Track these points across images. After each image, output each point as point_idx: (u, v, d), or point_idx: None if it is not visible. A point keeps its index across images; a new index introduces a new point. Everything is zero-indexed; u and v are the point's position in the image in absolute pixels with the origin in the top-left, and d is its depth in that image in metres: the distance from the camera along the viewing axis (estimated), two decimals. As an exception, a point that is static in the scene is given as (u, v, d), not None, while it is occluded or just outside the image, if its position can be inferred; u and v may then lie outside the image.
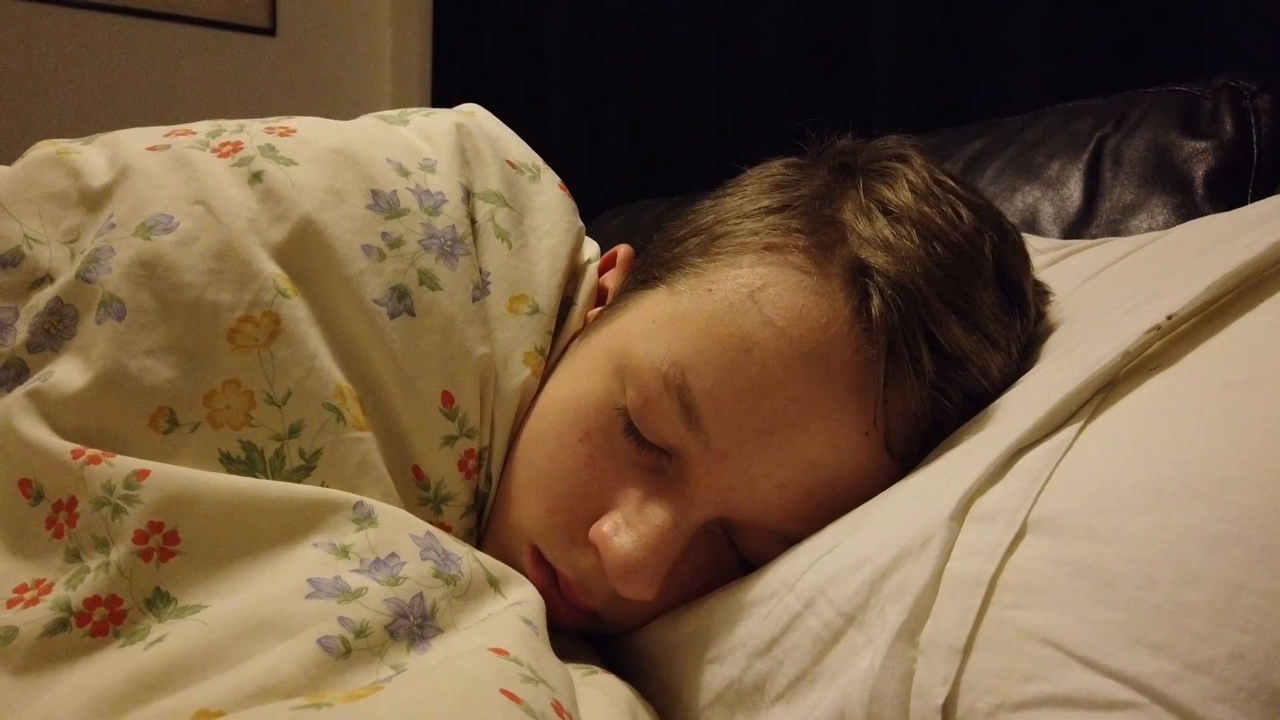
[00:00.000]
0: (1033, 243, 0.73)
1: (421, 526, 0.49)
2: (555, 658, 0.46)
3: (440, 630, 0.45)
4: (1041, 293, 0.60)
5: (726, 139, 1.57)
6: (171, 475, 0.46)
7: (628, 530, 0.51)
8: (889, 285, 0.49)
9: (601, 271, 0.64)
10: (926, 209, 0.52)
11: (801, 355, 0.49)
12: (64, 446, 0.46)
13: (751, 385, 0.49)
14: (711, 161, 1.55)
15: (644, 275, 0.57)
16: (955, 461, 0.44)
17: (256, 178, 0.54)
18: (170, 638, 0.41)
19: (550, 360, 0.59)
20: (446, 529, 0.55)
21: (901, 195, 0.53)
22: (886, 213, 0.52)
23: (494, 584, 0.49)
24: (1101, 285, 0.59)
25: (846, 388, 0.49)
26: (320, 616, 0.42)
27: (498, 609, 0.48)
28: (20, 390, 0.48)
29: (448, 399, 0.54)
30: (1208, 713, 0.28)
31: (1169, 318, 0.40)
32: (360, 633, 0.42)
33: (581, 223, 0.64)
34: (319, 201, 0.53)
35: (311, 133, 0.57)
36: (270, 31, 2.26)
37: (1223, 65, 1.01)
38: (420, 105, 2.25)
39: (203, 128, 0.58)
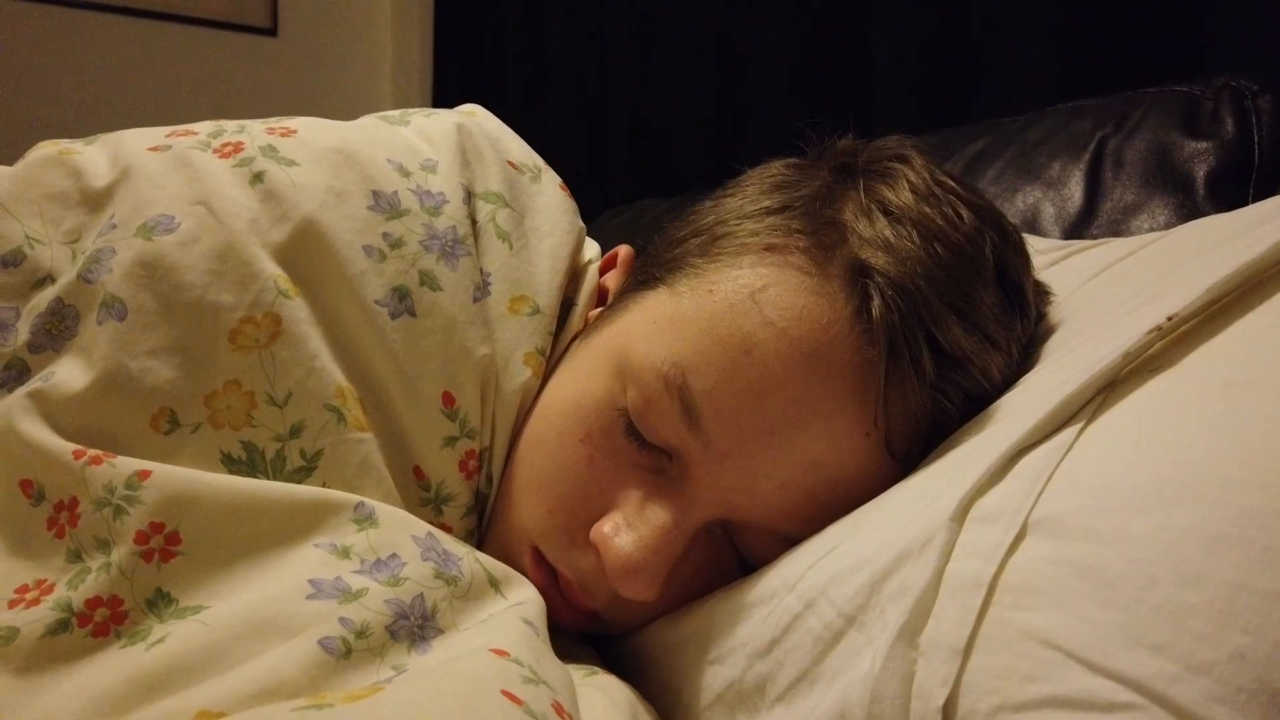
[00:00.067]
0: (1034, 243, 0.73)
1: (422, 527, 0.49)
2: (556, 658, 0.46)
3: (441, 631, 0.45)
4: (1042, 293, 0.60)
5: (726, 139, 1.57)
6: (173, 476, 0.46)
7: (628, 531, 0.51)
8: (889, 286, 0.49)
9: (602, 272, 0.64)
10: (927, 209, 0.52)
11: (802, 356, 0.49)
12: (65, 447, 0.46)
13: (752, 386, 0.49)
14: (711, 161, 1.55)
15: (645, 276, 0.57)
16: (956, 462, 0.44)
17: (258, 178, 0.54)
18: (171, 638, 0.41)
19: (551, 361, 0.59)
20: (447, 530, 0.55)
21: (902, 196, 0.53)
22: (887, 213, 0.52)
23: (495, 585, 0.49)
24: (1102, 286, 0.59)
25: (847, 388, 0.49)
26: (321, 617, 0.42)
27: (499, 610, 0.48)
28: (22, 391, 0.48)
29: (449, 400, 0.54)
30: (1208, 713, 0.28)
31: (1170, 318, 0.40)
32: (361, 633, 0.42)
33: (582, 223, 0.64)
34: (320, 202, 0.53)
35: (312, 133, 0.57)
36: (272, 32, 2.26)
37: (1223, 65, 1.01)
38: (421, 105, 2.25)
39: (204, 128, 0.58)
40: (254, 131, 0.57)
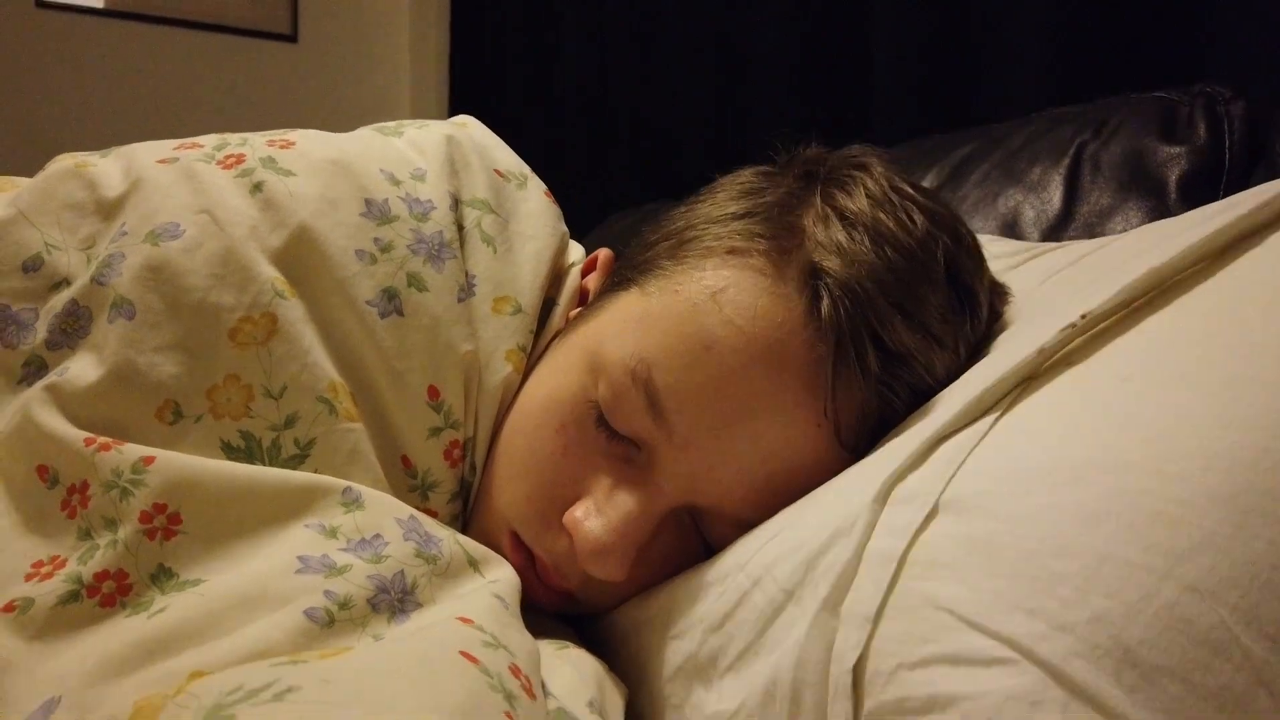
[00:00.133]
0: (1002, 246, 0.76)
1: (406, 510, 0.53)
2: (524, 631, 0.49)
3: (420, 605, 0.49)
4: (1000, 293, 0.62)
5: (727, 139, 1.59)
6: (175, 461, 0.50)
7: (598, 515, 0.54)
8: (838, 287, 0.52)
9: (584, 274, 0.68)
10: (881, 215, 0.56)
11: (758, 352, 0.53)
12: (77, 435, 0.50)
13: (711, 380, 0.53)
14: (712, 161, 1.58)
15: (619, 278, 0.61)
16: (889, 450, 0.47)
17: (257, 188, 0.58)
18: (171, 608, 0.45)
19: (532, 357, 0.63)
20: (433, 514, 0.58)
21: (858, 202, 0.56)
22: (843, 219, 0.55)
23: (473, 564, 0.53)
24: (1056, 286, 0.62)
25: (800, 383, 0.52)
26: (307, 590, 0.46)
27: (476, 587, 0.52)
28: (39, 384, 0.53)
29: (434, 393, 0.58)
30: (1068, 667, 0.32)
31: (1083, 316, 0.43)
32: (344, 605, 0.46)
33: (565, 228, 0.68)
34: (315, 209, 0.57)
35: (309, 145, 0.61)
36: (292, 38, 2.31)
37: (1222, 66, 1.03)
38: (438, 109, 2.30)
39: (210, 141, 0.62)
40: (255, 144, 0.61)
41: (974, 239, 0.61)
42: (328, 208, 0.58)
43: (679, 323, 0.54)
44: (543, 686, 0.47)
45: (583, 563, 0.54)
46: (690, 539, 0.57)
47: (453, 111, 2.25)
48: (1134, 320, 0.43)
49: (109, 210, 0.58)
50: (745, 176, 0.62)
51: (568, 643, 0.55)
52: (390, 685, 0.38)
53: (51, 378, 0.52)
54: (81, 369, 0.52)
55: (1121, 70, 1.08)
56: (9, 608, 0.46)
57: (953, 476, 0.40)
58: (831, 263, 0.53)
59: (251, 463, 0.53)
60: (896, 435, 0.50)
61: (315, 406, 0.55)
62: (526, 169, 0.69)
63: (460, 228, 0.63)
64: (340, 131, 0.66)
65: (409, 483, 0.58)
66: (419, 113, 2.39)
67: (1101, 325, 0.44)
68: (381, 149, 0.63)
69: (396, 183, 0.61)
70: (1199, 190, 0.85)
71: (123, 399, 0.52)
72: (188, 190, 0.57)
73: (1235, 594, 0.33)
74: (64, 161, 0.61)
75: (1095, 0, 1.13)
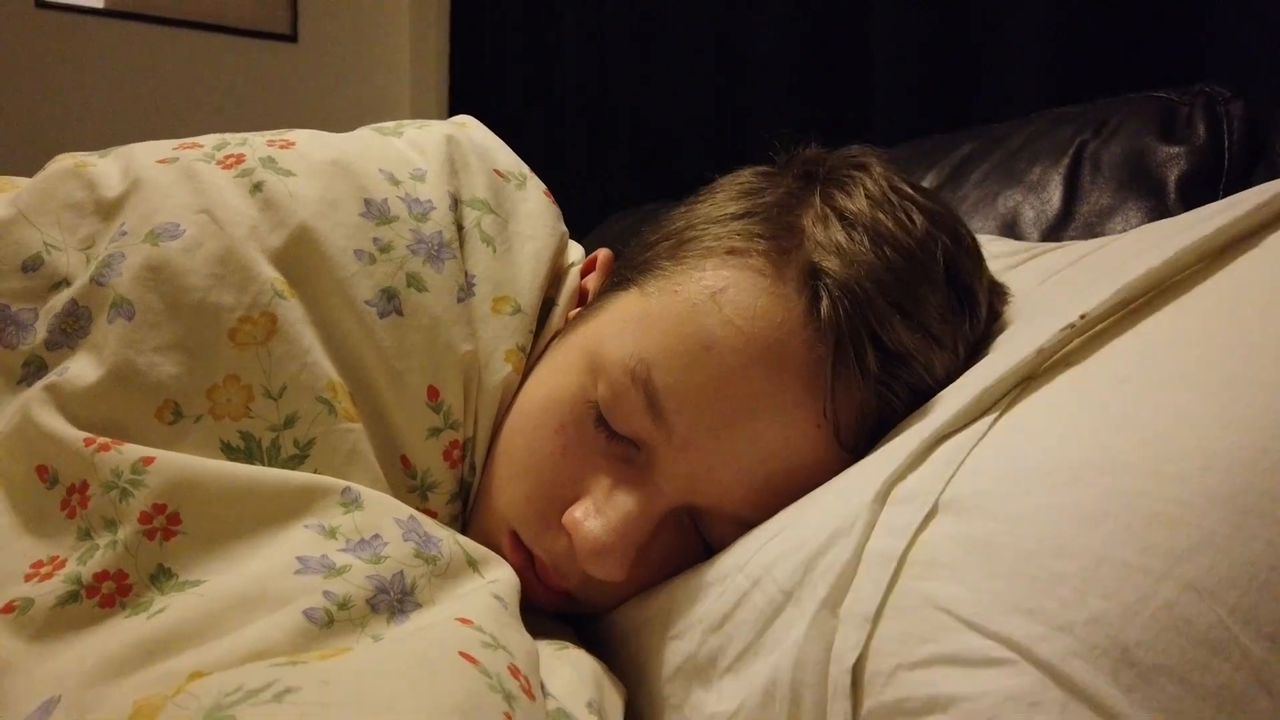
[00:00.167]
0: (1002, 246, 0.76)
1: (405, 511, 0.53)
2: (524, 632, 0.49)
3: (419, 605, 0.49)
4: (999, 293, 0.63)
5: (727, 139, 1.59)
6: (174, 461, 0.50)
7: (597, 516, 0.54)
8: (838, 287, 0.52)
9: (583, 274, 0.68)
10: (880, 215, 0.56)
11: (758, 352, 0.53)
12: (77, 435, 0.50)
13: (711, 380, 0.53)
14: (712, 161, 1.58)
15: (619, 278, 0.61)
16: (889, 450, 0.47)
17: (257, 188, 0.58)
18: (171, 609, 0.46)
19: (532, 357, 0.63)
20: (432, 515, 0.58)
21: (857, 202, 0.56)
22: (842, 219, 0.55)
23: (473, 564, 0.53)
24: (1056, 286, 0.62)
25: (799, 383, 0.52)
26: (307, 590, 0.46)
27: (476, 587, 0.52)
28: (39, 384, 0.53)
29: (433, 393, 0.58)
30: (1066, 667, 0.32)
31: (1082, 317, 0.43)
32: (343, 605, 0.46)
33: (565, 228, 0.68)
34: (314, 210, 0.58)
35: (309, 145, 0.61)
36: (292, 38, 2.32)
37: (1222, 66, 1.03)
38: (438, 109, 2.30)
39: (209, 141, 0.62)
40: (255, 144, 0.61)
41: (973, 239, 0.61)
42: (327, 208, 0.58)
43: (678, 323, 0.54)
44: (542, 687, 0.47)
45: (582, 563, 0.54)
46: (690, 539, 0.57)
47: (453, 111, 2.25)
48: (1132, 321, 0.43)
49: (108, 210, 0.58)
50: (745, 177, 0.62)
51: (567, 643, 0.55)
52: (389, 686, 0.38)
53: (51, 378, 0.52)
54: (81, 369, 0.52)
55: (1121, 70, 1.08)
56: (8, 608, 0.46)
57: (952, 477, 0.40)
58: (831, 263, 0.53)
59: (251, 463, 0.53)
60: (896, 435, 0.50)
61: (314, 407, 0.55)
62: (526, 169, 0.69)
63: (460, 228, 0.63)
64: (340, 131, 0.66)
65: (408, 483, 0.58)
66: (419, 113, 2.39)
67: (1100, 326, 0.44)
68: (381, 149, 0.63)
69: (396, 183, 0.61)
70: (1198, 190, 0.85)
71: (122, 399, 0.52)
72: (187, 190, 0.57)
73: (1234, 594, 0.33)
74: (63, 161, 0.61)
75: (1095, 0, 1.13)
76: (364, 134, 0.66)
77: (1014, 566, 0.35)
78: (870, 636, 0.37)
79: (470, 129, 0.69)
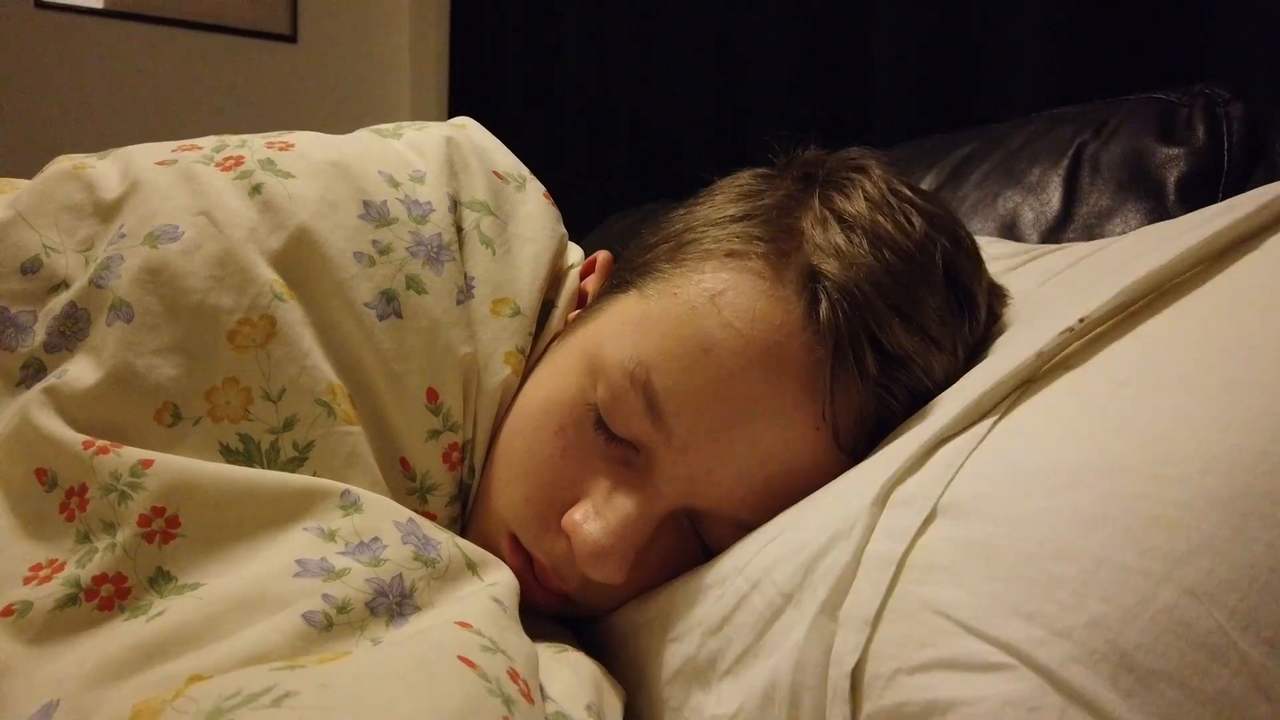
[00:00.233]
0: (1001, 248, 0.76)
1: (404, 513, 0.53)
2: (523, 635, 0.49)
3: (419, 608, 0.49)
4: (998, 296, 0.63)
5: (727, 139, 1.59)
6: (173, 464, 0.50)
7: (597, 518, 0.54)
8: (836, 290, 0.52)
9: (583, 276, 0.68)
10: (879, 218, 0.56)
11: (757, 355, 0.53)
12: (76, 438, 0.50)
13: (710, 383, 0.53)
14: (712, 162, 1.58)
15: (618, 280, 0.61)
16: (887, 452, 0.47)
17: (256, 190, 0.58)
18: (170, 612, 0.45)
19: (531, 360, 0.63)
20: (432, 517, 0.58)
21: (856, 205, 0.56)
22: (841, 221, 0.55)
23: (472, 567, 0.53)
24: (1056, 288, 0.62)
25: (798, 386, 0.52)
26: (306, 593, 0.46)
27: (475, 590, 0.52)
28: (38, 387, 0.52)
29: (433, 395, 0.58)
30: (1065, 672, 0.32)
31: (1081, 320, 0.43)
32: (342, 608, 0.46)
33: (564, 230, 0.68)
34: (313, 212, 0.57)
35: (308, 147, 0.61)
36: (291, 39, 2.31)
37: (1222, 66, 1.03)
38: (437, 109, 2.30)
39: (208, 143, 0.62)
40: (254, 145, 0.61)
41: (972, 241, 0.61)
42: (327, 210, 0.58)
43: (678, 325, 0.54)
44: (541, 690, 0.47)
45: (581, 565, 0.54)
46: (689, 541, 0.57)
47: (453, 112, 2.25)
48: (1132, 324, 0.43)
49: (107, 212, 0.58)
50: (744, 179, 0.62)
51: (566, 646, 0.55)
52: (388, 690, 0.38)
53: (50, 380, 0.52)
54: (80, 371, 0.52)
55: (1121, 70, 1.08)
56: (7, 611, 0.46)
57: (951, 480, 0.40)
58: (830, 265, 0.53)
59: (250, 465, 0.53)
60: (895, 438, 0.50)
61: (314, 409, 0.54)
62: (525, 171, 0.69)
63: (459, 230, 0.63)
64: (339, 132, 0.66)
65: (408, 485, 0.58)
66: (419, 113, 2.39)
67: (1100, 329, 0.44)
68: (380, 151, 0.63)
69: (395, 185, 0.61)
70: (1198, 192, 0.85)
71: (121, 401, 0.52)
72: (186, 192, 0.57)
73: (1233, 598, 0.33)
74: (62, 163, 0.61)
75: (1095, 0, 1.13)
76: (363, 136, 0.66)
77: (1013, 570, 0.35)
78: (869, 640, 0.37)
79: (470, 131, 0.69)
